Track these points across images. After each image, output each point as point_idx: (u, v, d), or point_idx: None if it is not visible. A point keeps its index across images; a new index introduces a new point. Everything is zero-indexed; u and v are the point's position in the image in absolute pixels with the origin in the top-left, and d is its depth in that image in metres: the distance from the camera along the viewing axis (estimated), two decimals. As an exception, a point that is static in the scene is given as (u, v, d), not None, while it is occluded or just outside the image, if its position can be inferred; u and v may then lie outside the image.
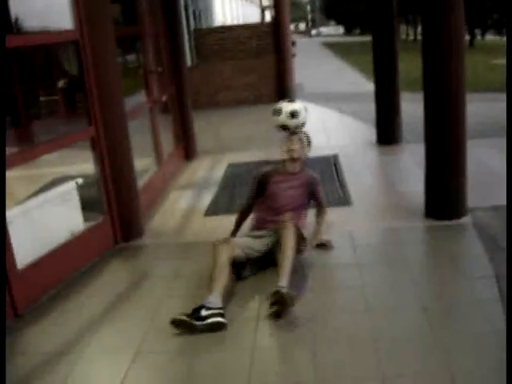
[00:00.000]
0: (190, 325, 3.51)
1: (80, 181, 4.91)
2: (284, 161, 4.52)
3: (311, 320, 3.57)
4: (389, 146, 7.90)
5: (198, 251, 4.87)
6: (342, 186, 6.22)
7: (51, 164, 6.68)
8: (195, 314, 3.55)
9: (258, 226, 4.50)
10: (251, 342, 3.42)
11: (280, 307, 3.55)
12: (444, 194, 4.97)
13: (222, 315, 3.58)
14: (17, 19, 8.96)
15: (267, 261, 4.26)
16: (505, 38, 29.74)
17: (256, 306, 3.83)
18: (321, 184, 4.71)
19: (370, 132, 8.62)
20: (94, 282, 4.51)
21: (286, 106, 4.46)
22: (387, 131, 8.02)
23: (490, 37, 34.85)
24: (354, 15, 57.16)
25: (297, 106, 4.48)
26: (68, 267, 4.56)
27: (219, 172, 7.41)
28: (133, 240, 5.22)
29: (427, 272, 4.26)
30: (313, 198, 4.65)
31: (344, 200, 5.76)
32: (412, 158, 7.09)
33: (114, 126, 4.96)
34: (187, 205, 6.19)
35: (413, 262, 4.30)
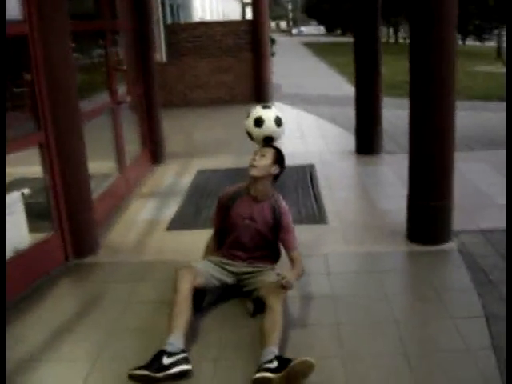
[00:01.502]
0: (151, 378, 2.97)
1: (27, 191, 4.41)
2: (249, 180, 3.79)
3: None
4: (368, 155, 7.47)
5: (155, 273, 4.42)
6: (318, 200, 5.77)
7: (14, 163, 6.16)
8: (156, 363, 3.02)
9: (227, 255, 3.87)
10: (207, 393, 2.97)
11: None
12: (428, 217, 4.55)
13: (186, 360, 3.08)
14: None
15: (228, 292, 3.84)
16: (486, 44, 29.63)
17: (215, 347, 3.36)
18: (289, 218, 3.79)
19: (348, 140, 8.21)
20: (37, 307, 3.99)
21: (256, 111, 3.77)
22: (367, 140, 7.60)
23: (469, 42, 34.69)
24: (335, 15, 56.87)
25: (267, 113, 3.72)
26: (9, 289, 3.99)
27: (187, 179, 6.92)
28: (85, 257, 4.71)
29: (408, 309, 3.82)
30: (276, 234, 3.77)
31: (319, 218, 5.31)
32: (393, 171, 6.67)
33: (67, 130, 4.46)
34: (149, 216, 5.69)
35: (392, 296, 3.85)
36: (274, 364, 2.94)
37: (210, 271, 3.72)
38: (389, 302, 3.75)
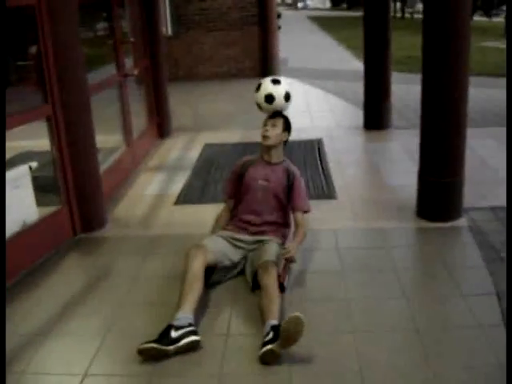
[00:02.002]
0: (161, 351, 2.99)
1: (34, 165, 4.39)
2: (261, 148, 3.96)
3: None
4: (377, 131, 7.39)
5: (163, 246, 4.42)
6: (326, 176, 5.72)
7: (21, 136, 6.13)
8: (164, 337, 3.03)
9: (238, 224, 3.92)
10: (218, 367, 2.96)
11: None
12: (439, 194, 4.51)
13: (194, 332, 3.09)
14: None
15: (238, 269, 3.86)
16: (494, 20, 29.32)
17: (225, 323, 3.35)
18: (301, 183, 3.96)
19: (356, 115, 8.14)
20: (46, 281, 3.98)
21: (266, 86, 3.85)
22: (375, 115, 7.50)
23: (476, 18, 34.34)
24: (341, -11, 56.30)
25: (277, 90, 3.82)
26: (16, 264, 4.00)
27: (194, 153, 6.88)
28: (93, 231, 4.70)
29: (419, 284, 3.81)
30: (288, 198, 3.91)
31: (328, 193, 5.27)
32: (402, 147, 6.61)
33: (75, 103, 4.41)
34: (157, 190, 5.67)
35: (403, 272, 3.83)
36: (271, 335, 2.98)
37: (222, 250, 3.72)
38: (399, 278, 3.73)
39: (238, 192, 3.99)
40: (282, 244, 3.86)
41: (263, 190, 3.87)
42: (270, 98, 3.81)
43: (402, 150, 6.51)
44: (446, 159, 4.43)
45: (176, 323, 3.09)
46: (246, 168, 3.96)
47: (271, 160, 3.92)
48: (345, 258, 4.05)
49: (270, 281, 3.36)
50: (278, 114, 3.88)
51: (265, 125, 3.85)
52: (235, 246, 3.80)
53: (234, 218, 3.98)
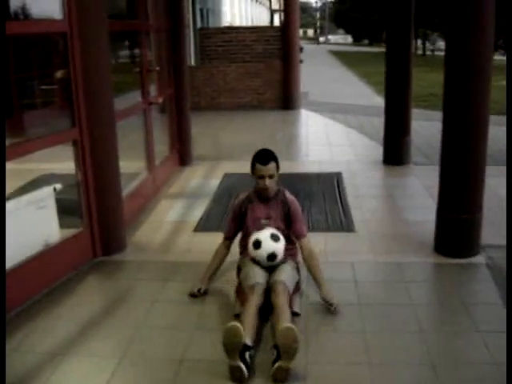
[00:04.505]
0: (242, 374, 3.06)
1: (58, 186, 4.46)
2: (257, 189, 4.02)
3: (303, 372, 3.11)
4: (396, 166, 7.43)
5: (182, 273, 4.45)
6: (345, 209, 5.77)
7: (40, 159, 6.23)
8: (243, 351, 3.10)
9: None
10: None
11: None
12: (457, 230, 4.53)
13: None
14: (24, 5, 8.46)
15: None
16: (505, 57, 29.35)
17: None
18: (296, 205, 4.03)
19: (376, 150, 8.19)
20: (65, 301, 4.04)
21: (268, 244, 3.80)
22: (395, 150, 7.55)
23: (498, 57, 34.41)
24: (363, 25, 56.84)
25: (277, 246, 3.83)
26: (38, 282, 4.10)
27: (214, 181, 6.96)
28: (113, 254, 4.76)
29: (436, 320, 3.82)
30: (289, 226, 4.00)
31: (347, 226, 5.31)
32: (421, 183, 6.64)
33: (101, 128, 4.51)
34: (176, 217, 5.74)
35: (420, 307, 3.85)
36: (275, 353, 3.08)
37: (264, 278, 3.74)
38: (415, 313, 3.74)
39: (241, 228, 4.11)
40: (297, 267, 4.00)
41: (266, 226, 3.97)
42: (272, 257, 3.80)
43: (421, 185, 6.53)
44: (465, 196, 4.47)
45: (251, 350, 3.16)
46: (245, 207, 4.05)
47: (268, 197, 3.99)
48: (362, 291, 4.07)
49: (278, 300, 3.49)
50: (270, 159, 3.90)
51: (261, 177, 3.86)
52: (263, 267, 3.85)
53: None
